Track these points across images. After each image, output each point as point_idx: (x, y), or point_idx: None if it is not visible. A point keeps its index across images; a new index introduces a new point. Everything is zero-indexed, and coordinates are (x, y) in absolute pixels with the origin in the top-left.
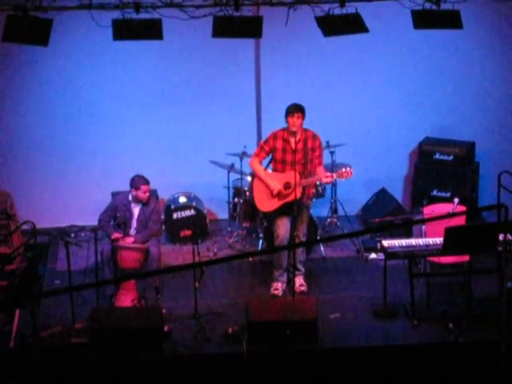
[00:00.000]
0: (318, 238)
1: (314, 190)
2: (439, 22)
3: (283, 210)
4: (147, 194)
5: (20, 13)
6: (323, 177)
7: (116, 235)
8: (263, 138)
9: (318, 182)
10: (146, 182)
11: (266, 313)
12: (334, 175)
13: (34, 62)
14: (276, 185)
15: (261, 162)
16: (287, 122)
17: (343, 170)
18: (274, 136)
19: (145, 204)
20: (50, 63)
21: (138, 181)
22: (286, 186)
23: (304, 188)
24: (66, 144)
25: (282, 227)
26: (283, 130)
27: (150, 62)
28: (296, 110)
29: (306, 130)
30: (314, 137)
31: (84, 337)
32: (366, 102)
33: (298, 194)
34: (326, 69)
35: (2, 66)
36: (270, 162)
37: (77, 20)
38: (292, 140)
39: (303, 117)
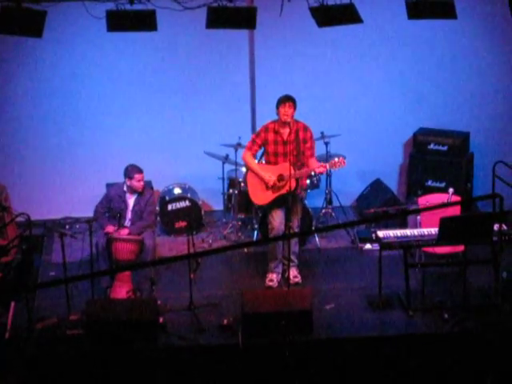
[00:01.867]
0: (313, 228)
1: (307, 181)
2: (433, 12)
3: (277, 202)
4: (141, 183)
5: (14, 4)
6: (316, 167)
7: (109, 229)
8: (257, 129)
9: (312, 173)
10: (140, 171)
11: (261, 304)
12: (327, 165)
13: (27, 54)
14: (271, 176)
15: (253, 156)
16: (278, 112)
17: (336, 159)
18: (265, 129)
19: (140, 194)
20: (44, 55)
21: (131, 170)
22: (280, 178)
23: (298, 179)
24: (61, 136)
25: (277, 219)
26: (274, 122)
27: (144, 54)
28: (287, 99)
29: (297, 122)
30: (305, 128)
31: (79, 328)
32: (361, 92)
33: (292, 186)
34: (320, 59)
35: None
36: (262, 155)
37: (70, 11)
38: (283, 131)
39: (294, 107)
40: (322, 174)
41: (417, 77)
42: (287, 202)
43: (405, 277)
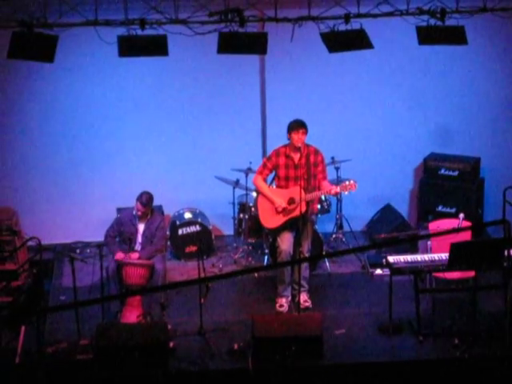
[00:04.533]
0: (324, 253)
1: (318, 206)
2: (444, 38)
3: (287, 226)
4: (139, 213)
5: (25, 29)
6: (328, 190)
7: (119, 256)
8: (268, 154)
9: (323, 197)
10: (142, 203)
11: (272, 329)
12: (338, 188)
13: (39, 78)
14: (281, 202)
15: (265, 180)
16: (291, 138)
17: (347, 182)
18: (277, 153)
19: (150, 219)
20: (55, 79)
21: (139, 196)
22: (291, 201)
23: (308, 203)
24: (72, 160)
25: (285, 242)
26: (285, 146)
27: (155, 78)
28: (300, 125)
29: (308, 146)
30: (316, 152)
31: (89, 353)
32: (371, 117)
33: (303, 209)
34: (330, 85)
35: (8, 83)
36: (273, 179)
37: (82, 36)
38: (294, 156)
39: (307, 132)
40: (332, 196)
41: (427, 102)
42: (297, 225)
43: (415, 302)
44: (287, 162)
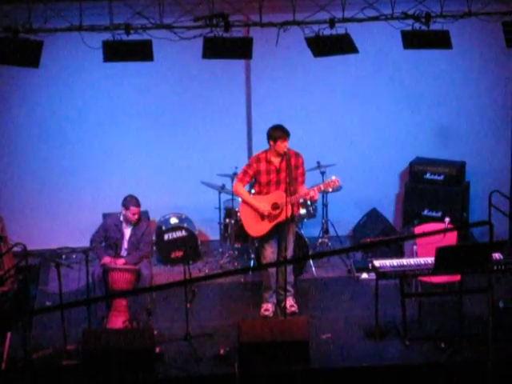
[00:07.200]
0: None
1: (299, 211)
2: (429, 42)
3: (272, 232)
4: (136, 217)
5: (10, 35)
6: (309, 191)
7: (106, 260)
8: (248, 161)
9: (308, 202)
10: (137, 205)
11: (258, 334)
12: (322, 186)
13: (24, 84)
14: (265, 206)
15: (244, 187)
16: (275, 145)
17: (329, 180)
18: (257, 159)
19: (136, 225)
20: (40, 85)
21: (129, 201)
22: (274, 206)
23: (292, 206)
24: (57, 166)
25: (269, 249)
26: (265, 151)
27: (140, 84)
28: (287, 134)
29: (288, 149)
30: (297, 155)
31: (75, 359)
32: (357, 121)
33: (289, 213)
34: (316, 89)
35: None
36: (251, 187)
37: (67, 42)
38: (275, 160)
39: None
40: (316, 199)
41: (412, 107)
42: (280, 230)
43: (401, 306)
44: (268, 167)
